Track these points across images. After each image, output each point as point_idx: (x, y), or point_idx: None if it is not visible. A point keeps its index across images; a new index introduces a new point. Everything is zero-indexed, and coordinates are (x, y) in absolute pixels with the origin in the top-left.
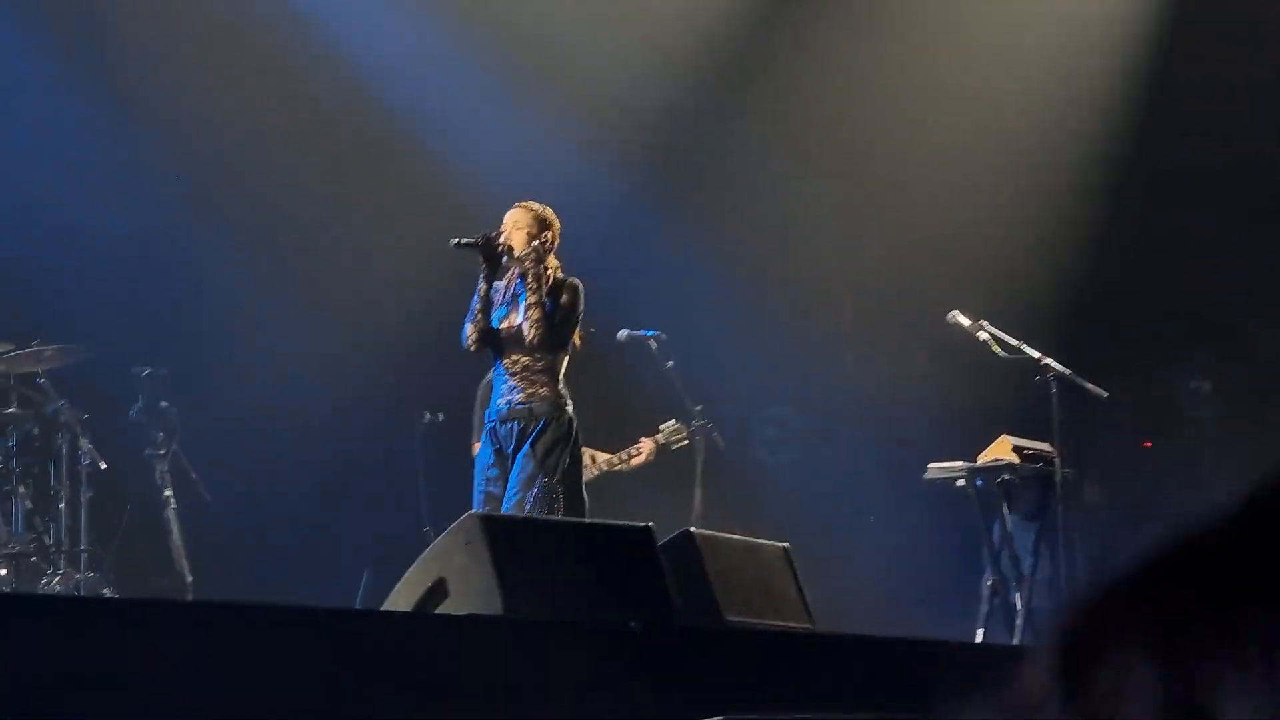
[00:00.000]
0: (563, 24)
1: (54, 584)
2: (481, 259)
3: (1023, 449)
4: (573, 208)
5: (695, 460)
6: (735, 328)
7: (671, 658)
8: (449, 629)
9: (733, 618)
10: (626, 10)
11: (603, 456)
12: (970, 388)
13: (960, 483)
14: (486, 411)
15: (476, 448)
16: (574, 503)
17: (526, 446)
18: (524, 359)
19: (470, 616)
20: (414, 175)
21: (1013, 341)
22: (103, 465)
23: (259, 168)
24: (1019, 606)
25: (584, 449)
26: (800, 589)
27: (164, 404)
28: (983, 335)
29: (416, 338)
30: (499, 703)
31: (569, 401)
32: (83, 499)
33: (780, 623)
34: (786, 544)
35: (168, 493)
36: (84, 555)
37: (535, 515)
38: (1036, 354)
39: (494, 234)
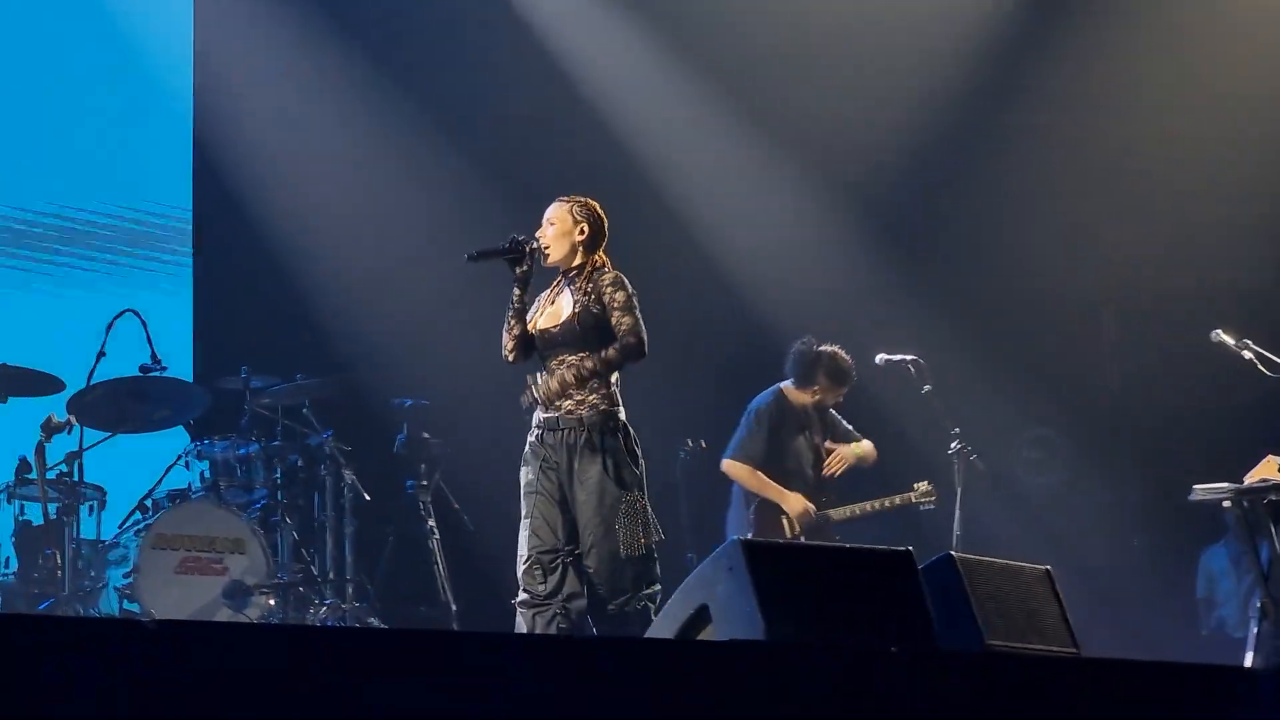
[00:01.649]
0: (802, 50)
1: (321, 614)
2: (510, 266)
3: None
4: (828, 230)
5: (955, 483)
6: (995, 349)
7: (934, 682)
8: (712, 656)
9: (995, 642)
10: (874, 24)
11: (866, 503)
12: (1235, 408)
13: (1227, 504)
14: (533, 420)
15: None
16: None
17: (596, 468)
18: (569, 357)
19: (733, 642)
20: (660, 220)
21: (1278, 360)
22: (366, 496)
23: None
24: None
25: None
26: (1064, 612)
27: (426, 435)
28: (1247, 354)
29: (678, 365)
30: None
31: (621, 405)
32: (347, 530)
33: (1044, 647)
34: (1049, 566)
35: (431, 523)
36: (350, 585)
37: (627, 534)
38: None
39: (523, 238)
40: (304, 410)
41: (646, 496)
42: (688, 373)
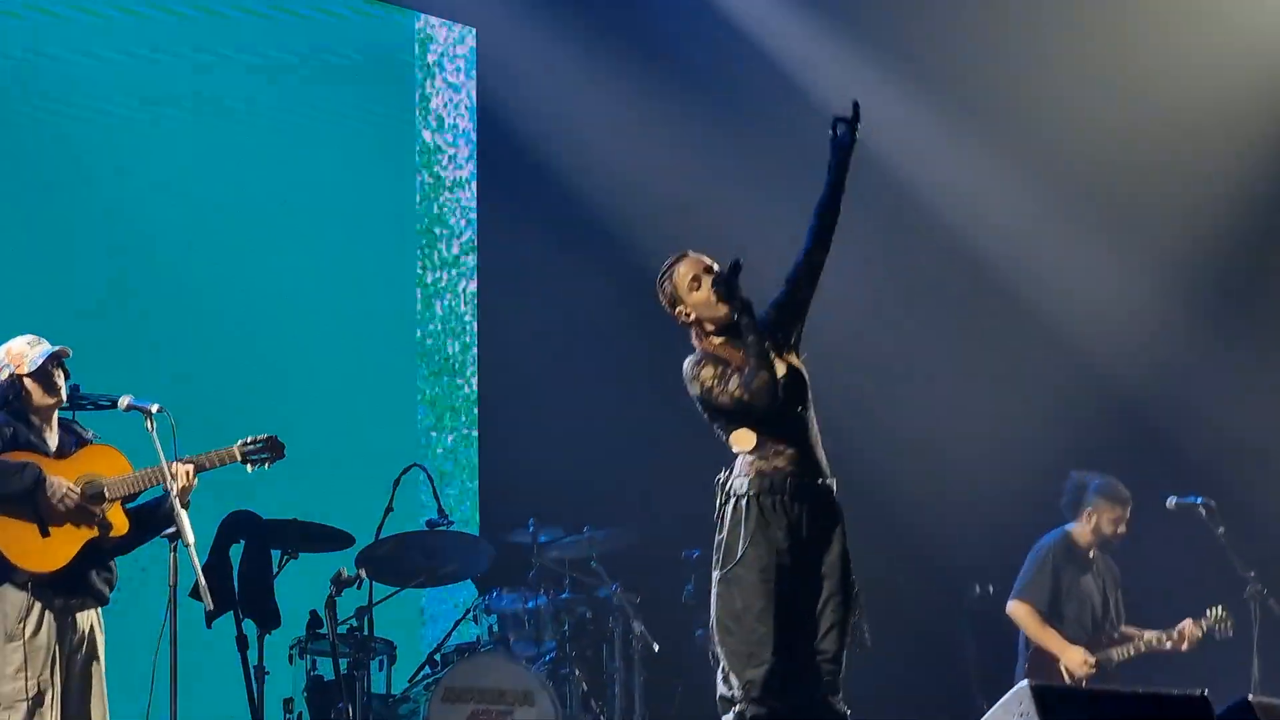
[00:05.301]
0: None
1: None
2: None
3: None
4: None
5: (1251, 628)
6: None
7: None
8: None
9: None
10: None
11: (1149, 634)
12: None
13: None
14: (801, 480)
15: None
16: None
17: (841, 545)
18: (813, 419)
19: None
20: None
21: None
22: (656, 647)
23: None
24: None
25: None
26: None
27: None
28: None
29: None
30: None
31: None
32: (636, 681)
33: None
34: None
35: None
36: None
37: (862, 628)
38: None
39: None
40: (592, 563)
41: None
42: (968, 519)
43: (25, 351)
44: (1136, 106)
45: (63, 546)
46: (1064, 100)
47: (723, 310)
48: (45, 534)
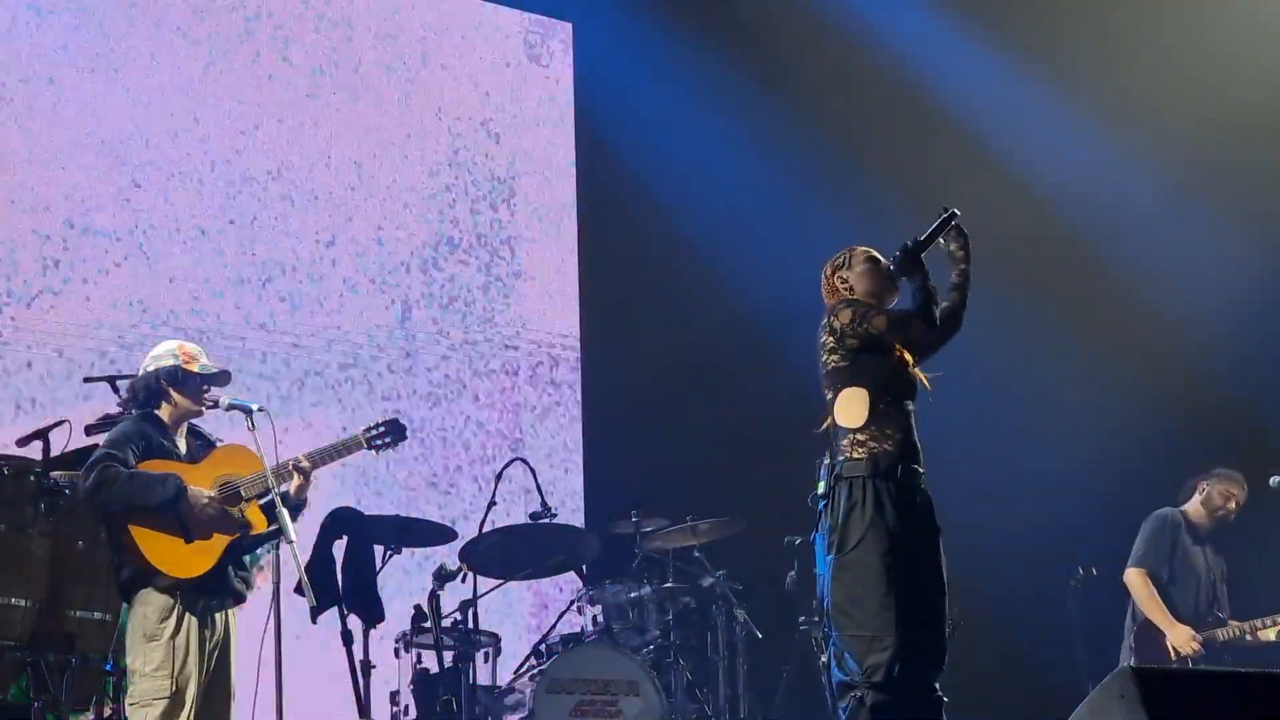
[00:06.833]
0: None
1: None
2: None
3: None
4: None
5: None
6: None
7: None
8: None
9: None
10: None
11: (1235, 624)
12: None
13: None
14: (907, 464)
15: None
16: None
17: (938, 534)
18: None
19: None
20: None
21: None
22: (759, 635)
23: None
24: None
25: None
26: None
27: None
28: None
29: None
30: None
31: None
32: (740, 669)
33: None
34: None
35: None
36: None
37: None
38: None
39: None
40: (695, 552)
41: None
42: (1071, 503)
43: (196, 355)
44: (1245, 90)
45: (205, 552)
46: (1172, 82)
47: (879, 287)
48: (189, 541)
